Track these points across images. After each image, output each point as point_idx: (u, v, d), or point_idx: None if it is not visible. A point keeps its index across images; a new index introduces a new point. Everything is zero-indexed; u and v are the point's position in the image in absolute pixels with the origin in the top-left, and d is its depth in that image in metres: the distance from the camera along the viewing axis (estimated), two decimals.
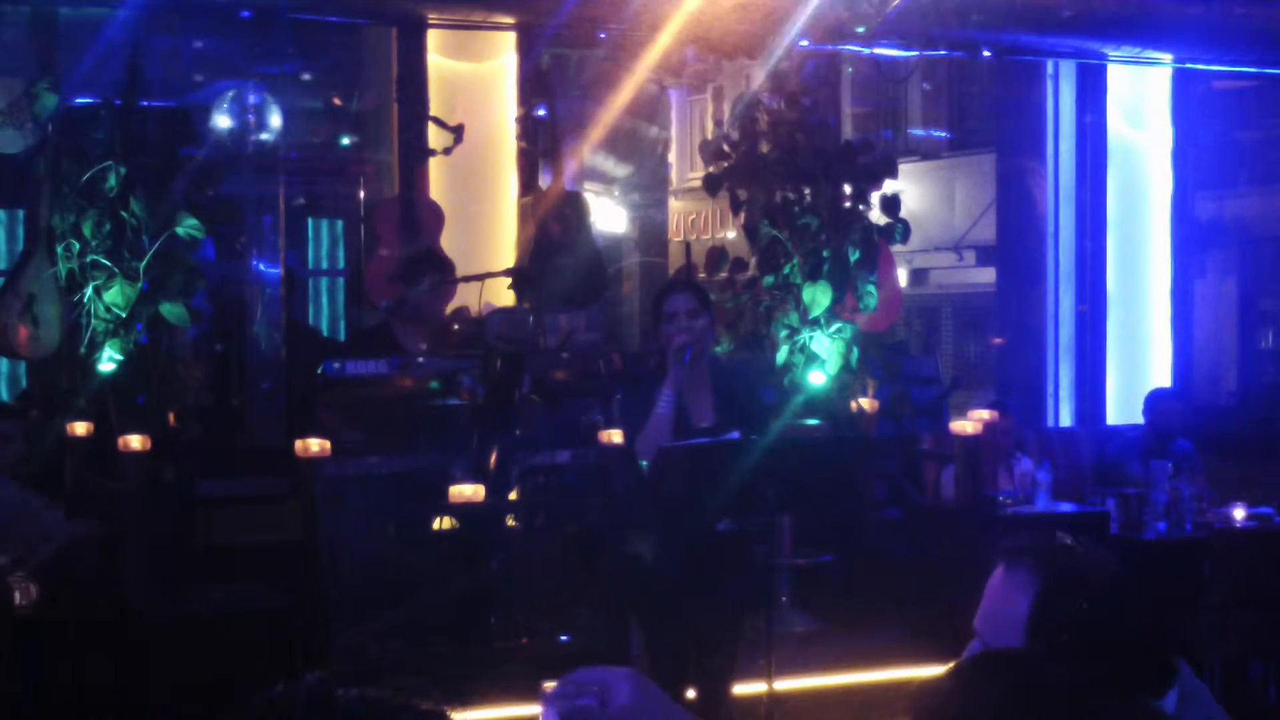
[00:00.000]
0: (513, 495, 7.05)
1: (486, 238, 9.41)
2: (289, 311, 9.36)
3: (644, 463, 5.18)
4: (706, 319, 5.27)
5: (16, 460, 6.45)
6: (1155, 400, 8.10)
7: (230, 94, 9.52)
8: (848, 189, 8.04)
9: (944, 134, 18.08)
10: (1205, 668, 6.73)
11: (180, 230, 7.10)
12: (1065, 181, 10.26)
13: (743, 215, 8.13)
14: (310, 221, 12.05)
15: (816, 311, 7.82)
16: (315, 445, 6.38)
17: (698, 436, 5.15)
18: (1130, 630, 2.23)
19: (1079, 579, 2.26)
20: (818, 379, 7.82)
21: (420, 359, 7.13)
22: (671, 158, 18.46)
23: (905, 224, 8.21)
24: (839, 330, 7.90)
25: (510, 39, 9.45)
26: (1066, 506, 7.19)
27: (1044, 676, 1.50)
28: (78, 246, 7.03)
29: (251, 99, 9.46)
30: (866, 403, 7.90)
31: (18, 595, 5.88)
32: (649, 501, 5.19)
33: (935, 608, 6.38)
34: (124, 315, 7.02)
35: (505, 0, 8.31)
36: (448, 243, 8.76)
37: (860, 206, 8.06)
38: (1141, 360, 10.24)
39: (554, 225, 8.70)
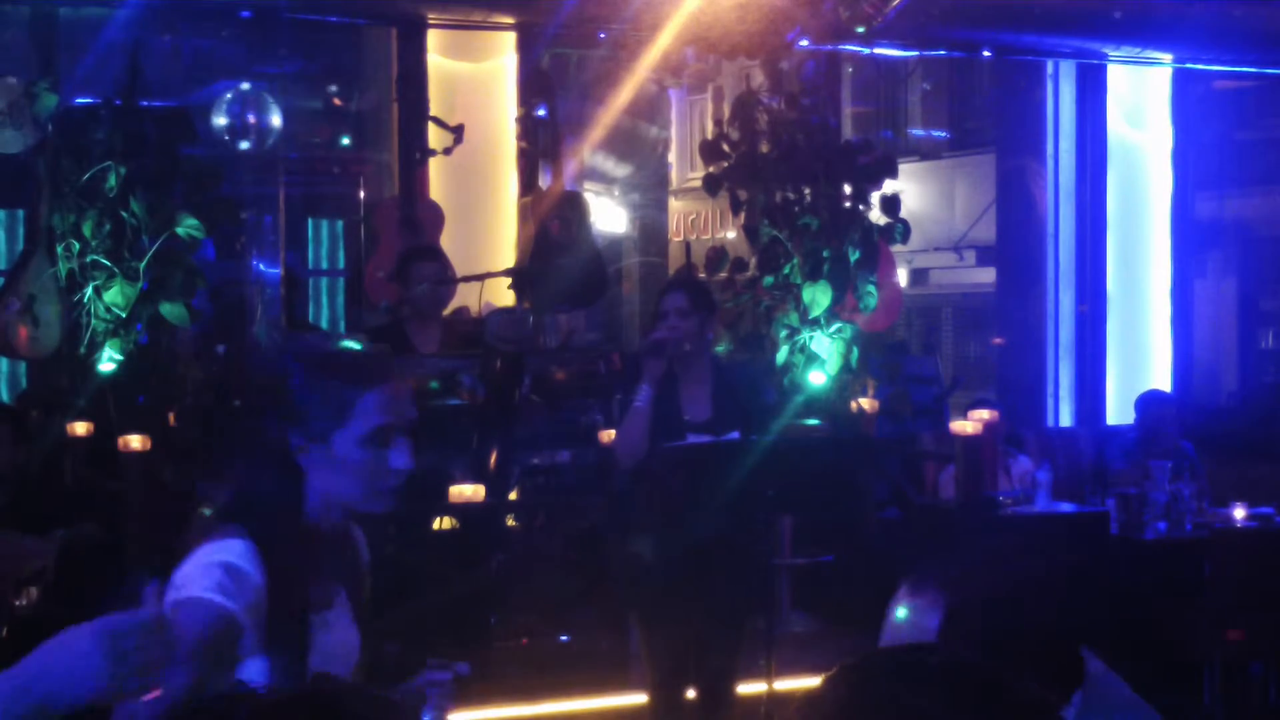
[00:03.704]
0: (513, 495, 7.04)
1: (486, 238, 9.41)
2: (289, 311, 9.36)
3: (623, 462, 5.18)
4: (698, 318, 5.26)
5: (7, 464, 6.41)
6: (1145, 402, 8.08)
7: (230, 94, 9.52)
8: (848, 189, 8.04)
9: (944, 134, 18.09)
10: (1205, 668, 6.73)
11: (180, 230, 7.10)
12: (1065, 181, 10.26)
13: (743, 215, 8.13)
14: (310, 221, 12.05)
15: (816, 311, 7.82)
16: None
17: (691, 432, 5.15)
18: (1034, 643, 2.24)
19: (984, 598, 2.28)
20: (818, 379, 7.82)
21: (427, 358, 7.12)
22: (671, 158, 18.46)
23: (905, 224, 8.21)
24: (839, 330, 7.90)
25: (510, 39, 9.45)
26: (1066, 506, 7.18)
27: (923, 667, 1.49)
28: (78, 246, 7.03)
29: (251, 99, 9.46)
30: (866, 403, 7.90)
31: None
32: (649, 501, 5.19)
33: None
34: (124, 315, 7.02)
35: (505, 0, 8.31)
36: (448, 243, 8.76)
37: (860, 206, 8.06)
38: (1141, 360, 10.24)
39: (554, 225, 8.70)
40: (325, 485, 2.54)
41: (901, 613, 2.35)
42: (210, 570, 2.35)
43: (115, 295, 7.01)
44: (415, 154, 9.00)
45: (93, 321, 7.03)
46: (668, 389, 5.23)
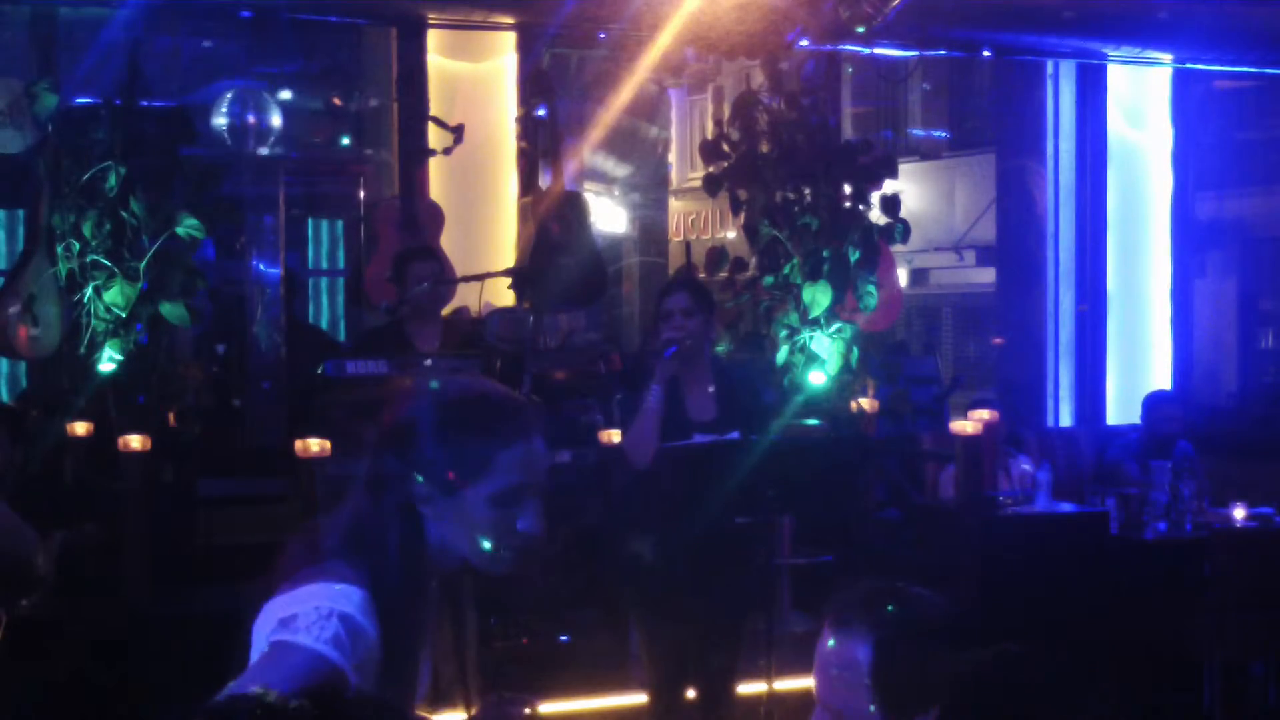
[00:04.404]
0: None
1: (486, 238, 9.42)
2: (289, 311, 9.35)
3: (635, 462, 5.18)
4: (701, 318, 5.28)
5: (6, 464, 6.39)
6: (1153, 403, 8.08)
7: (230, 94, 9.51)
8: (848, 189, 8.03)
9: (944, 134, 18.10)
10: (1205, 668, 6.73)
11: (180, 230, 7.09)
12: (1065, 181, 10.26)
13: (743, 215, 8.13)
14: (310, 221, 12.05)
15: (816, 311, 7.81)
16: (315, 445, 6.37)
17: (697, 432, 5.16)
18: (961, 664, 2.26)
19: (910, 623, 2.30)
20: (818, 379, 7.82)
21: (426, 359, 7.11)
22: (671, 158, 18.48)
23: (905, 224, 8.20)
24: (839, 330, 7.89)
25: (510, 39, 9.45)
26: (1066, 506, 7.19)
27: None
28: (78, 246, 7.03)
29: (251, 99, 9.46)
30: (866, 403, 7.90)
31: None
32: (648, 501, 5.19)
33: None
34: (124, 315, 7.02)
35: (505, 0, 8.31)
36: (448, 243, 8.76)
37: (860, 206, 8.05)
38: (1141, 360, 10.24)
39: (554, 225, 8.70)
40: (445, 537, 2.41)
41: (831, 642, 2.39)
42: (329, 622, 2.24)
43: (115, 295, 7.00)
44: (415, 154, 9.00)
45: (93, 321, 7.03)
46: (672, 390, 5.24)
